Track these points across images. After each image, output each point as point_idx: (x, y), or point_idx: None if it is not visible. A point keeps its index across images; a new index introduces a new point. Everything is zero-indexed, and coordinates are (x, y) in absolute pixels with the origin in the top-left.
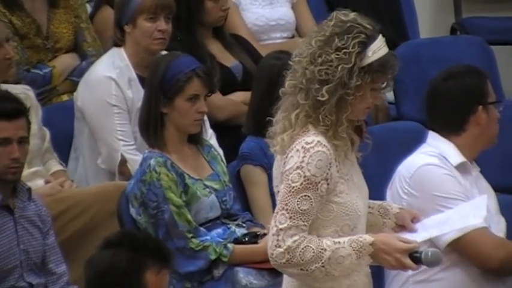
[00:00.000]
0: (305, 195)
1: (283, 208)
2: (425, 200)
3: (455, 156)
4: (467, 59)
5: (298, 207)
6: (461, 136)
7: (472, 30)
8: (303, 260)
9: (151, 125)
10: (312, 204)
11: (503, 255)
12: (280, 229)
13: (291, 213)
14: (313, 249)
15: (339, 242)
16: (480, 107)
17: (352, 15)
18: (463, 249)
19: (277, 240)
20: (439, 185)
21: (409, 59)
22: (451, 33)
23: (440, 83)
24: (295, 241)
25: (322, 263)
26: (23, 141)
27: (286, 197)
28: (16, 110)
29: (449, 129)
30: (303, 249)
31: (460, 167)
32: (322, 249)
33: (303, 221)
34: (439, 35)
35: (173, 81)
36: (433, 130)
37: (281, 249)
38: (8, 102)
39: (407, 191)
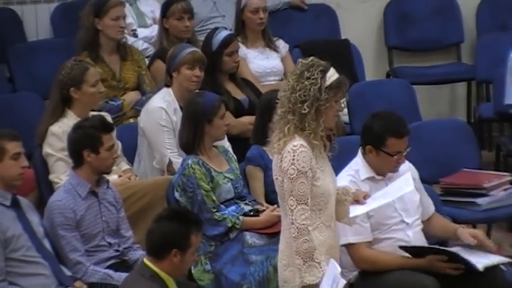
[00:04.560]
0: (301, 182)
1: (290, 195)
2: None
3: (364, 172)
4: (397, 95)
5: (299, 191)
6: (366, 156)
7: (401, 75)
8: (300, 244)
9: (193, 141)
10: (306, 187)
11: (365, 267)
12: (292, 210)
13: (297, 197)
14: (308, 241)
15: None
16: (369, 146)
17: (310, 58)
18: (347, 249)
19: (292, 218)
20: None
21: (358, 95)
22: (386, 77)
23: (368, 119)
24: (303, 224)
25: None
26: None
27: (290, 186)
28: (113, 127)
29: (362, 150)
30: (303, 240)
31: (368, 179)
32: (313, 249)
33: (305, 201)
34: (378, 78)
35: (212, 107)
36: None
37: (293, 225)
38: (108, 121)
39: None
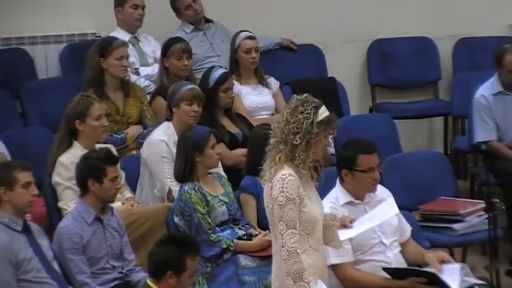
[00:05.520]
0: (290, 208)
1: (280, 220)
2: None
3: (342, 197)
4: (379, 128)
5: (288, 217)
6: (344, 182)
7: (383, 110)
8: (290, 266)
9: (186, 171)
10: (295, 212)
11: (350, 286)
12: (282, 234)
13: (286, 222)
14: (298, 263)
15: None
16: (344, 170)
17: (304, 94)
18: (332, 269)
19: (282, 241)
20: None
21: (343, 128)
22: (369, 112)
23: (339, 148)
24: (293, 247)
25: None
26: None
27: (279, 212)
28: (118, 159)
29: (339, 179)
30: (293, 262)
31: (347, 203)
32: (302, 270)
33: (294, 226)
34: (362, 113)
35: (202, 139)
36: None
37: (284, 249)
38: (113, 154)
39: None
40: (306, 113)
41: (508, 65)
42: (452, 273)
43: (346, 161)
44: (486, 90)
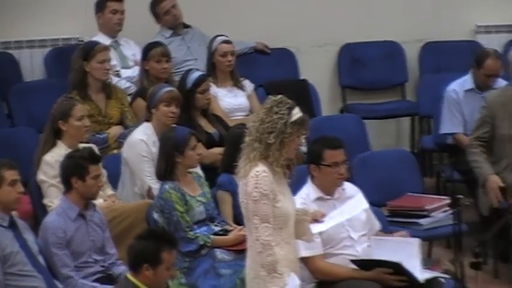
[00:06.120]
0: (264, 203)
1: (254, 215)
2: None
3: (313, 193)
4: (349, 128)
5: (263, 211)
6: (314, 178)
7: (353, 111)
8: (265, 258)
9: (167, 170)
10: (269, 207)
11: (320, 277)
12: (256, 228)
13: (261, 216)
14: (272, 255)
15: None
16: (313, 165)
17: (279, 96)
18: (303, 262)
19: (257, 234)
20: None
21: (315, 128)
22: (340, 113)
23: (309, 146)
24: (267, 240)
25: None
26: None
27: (254, 207)
28: (100, 158)
29: (310, 176)
30: (267, 254)
31: (317, 199)
32: (276, 262)
33: (268, 220)
34: (333, 114)
35: (183, 140)
36: None
37: (258, 241)
38: (96, 154)
39: None
40: (281, 114)
41: (486, 69)
42: (409, 253)
43: (313, 156)
44: (458, 85)
